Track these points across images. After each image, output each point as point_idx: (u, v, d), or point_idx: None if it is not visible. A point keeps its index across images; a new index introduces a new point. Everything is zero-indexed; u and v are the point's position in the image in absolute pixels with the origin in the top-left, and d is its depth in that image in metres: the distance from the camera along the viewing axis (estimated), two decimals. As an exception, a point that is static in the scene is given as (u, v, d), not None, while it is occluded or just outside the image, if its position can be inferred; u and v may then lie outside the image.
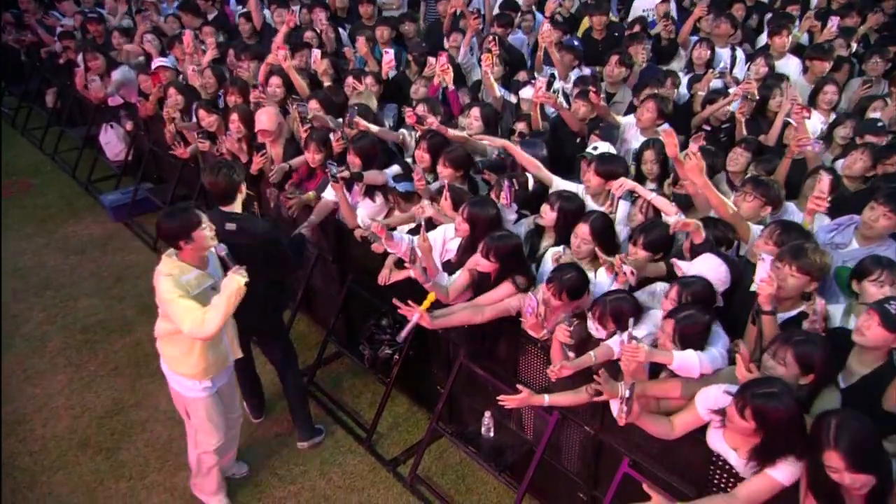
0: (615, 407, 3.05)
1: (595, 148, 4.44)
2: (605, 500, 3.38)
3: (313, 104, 5.26)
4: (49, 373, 5.13)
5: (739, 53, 6.72)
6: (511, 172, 4.37)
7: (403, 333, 3.75)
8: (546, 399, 3.33)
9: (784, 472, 2.57)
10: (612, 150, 4.46)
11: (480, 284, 3.80)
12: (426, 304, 3.57)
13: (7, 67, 10.30)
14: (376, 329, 4.46)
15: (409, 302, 3.50)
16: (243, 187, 3.95)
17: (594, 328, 3.32)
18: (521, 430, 4.03)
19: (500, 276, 3.71)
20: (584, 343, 3.39)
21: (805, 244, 3.22)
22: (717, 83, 5.75)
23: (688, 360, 2.92)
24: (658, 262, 3.58)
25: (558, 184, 4.30)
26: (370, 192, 4.57)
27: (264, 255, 3.92)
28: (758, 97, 5.21)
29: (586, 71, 6.21)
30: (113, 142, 7.42)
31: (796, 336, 2.79)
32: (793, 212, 3.99)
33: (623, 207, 4.00)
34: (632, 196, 4.01)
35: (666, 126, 3.63)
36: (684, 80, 6.05)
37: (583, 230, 3.64)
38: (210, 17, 8.37)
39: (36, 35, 9.01)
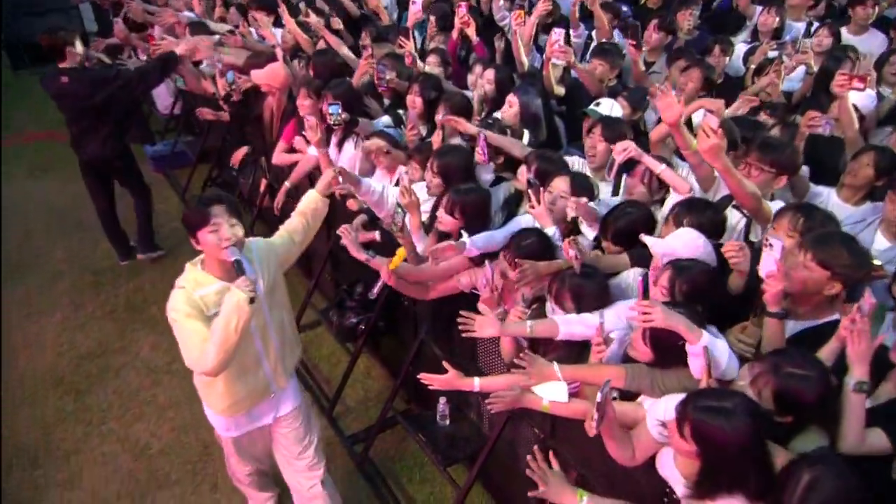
0: (549, 390, 2.36)
1: (598, 104, 3.64)
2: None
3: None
4: (50, 311, 4.94)
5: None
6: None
7: (375, 290, 3.27)
8: (476, 383, 2.64)
9: None
10: (617, 108, 3.64)
11: None
12: (396, 260, 2.97)
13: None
14: (346, 295, 3.92)
15: (378, 257, 2.98)
16: (76, 45, 4.55)
17: (551, 308, 2.62)
18: (480, 422, 3.38)
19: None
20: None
21: (836, 231, 2.38)
22: (776, 55, 4.73)
23: (718, 350, 2.12)
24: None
25: None
26: (342, 141, 4.02)
27: (103, 99, 4.59)
28: (815, 69, 4.20)
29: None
30: (163, 94, 7.22)
31: (788, 367, 1.96)
32: (825, 200, 3.09)
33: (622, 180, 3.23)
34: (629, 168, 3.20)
35: (664, 87, 2.79)
36: (741, 49, 5.06)
37: (561, 184, 2.92)
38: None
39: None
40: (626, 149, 2.97)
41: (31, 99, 8.86)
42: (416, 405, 3.89)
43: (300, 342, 2.96)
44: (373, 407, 4.06)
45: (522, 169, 3.26)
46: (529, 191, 2.86)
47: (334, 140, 4.04)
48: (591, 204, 2.87)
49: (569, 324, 2.46)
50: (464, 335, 2.55)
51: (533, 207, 2.96)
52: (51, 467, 3.67)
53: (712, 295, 2.41)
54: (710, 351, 2.07)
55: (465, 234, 2.89)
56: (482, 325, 2.52)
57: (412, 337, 3.67)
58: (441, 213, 3.12)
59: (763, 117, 3.59)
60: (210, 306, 2.43)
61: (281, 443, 2.94)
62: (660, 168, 3.03)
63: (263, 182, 4.98)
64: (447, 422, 3.38)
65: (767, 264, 2.25)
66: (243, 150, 5.07)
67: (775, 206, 2.76)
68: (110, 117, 4.80)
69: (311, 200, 2.99)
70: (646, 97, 4.05)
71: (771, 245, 2.24)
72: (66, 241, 5.80)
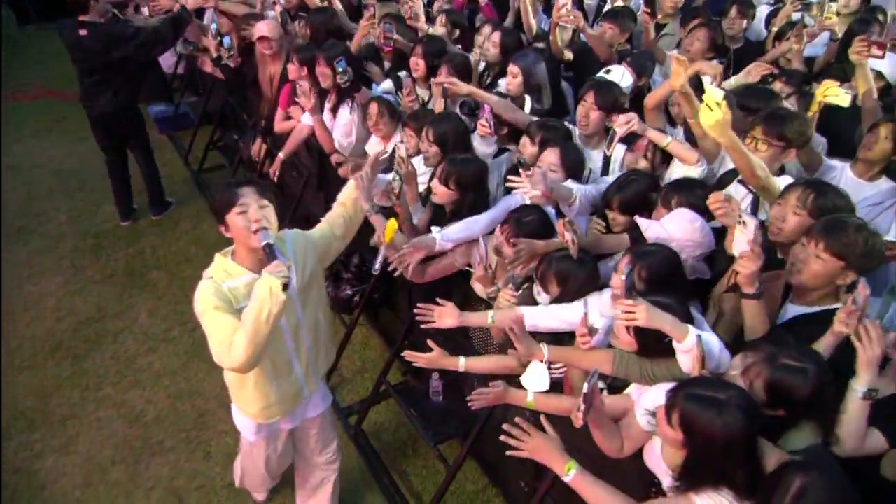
0: (532, 378, 2.29)
1: (608, 72, 3.47)
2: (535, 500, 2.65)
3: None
4: (51, 273, 4.93)
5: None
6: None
7: (377, 265, 3.19)
8: (461, 363, 2.56)
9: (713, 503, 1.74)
10: (628, 77, 3.46)
11: (433, 220, 3.08)
12: (388, 233, 2.85)
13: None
14: (342, 267, 3.85)
15: (379, 214, 2.87)
16: None
17: (537, 291, 2.53)
18: (474, 399, 3.32)
19: (457, 210, 2.98)
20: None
21: (846, 217, 2.23)
22: (799, 17, 4.48)
23: (709, 345, 2.00)
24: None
25: None
26: (337, 107, 3.89)
27: (118, 57, 4.64)
28: (840, 35, 3.96)
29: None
30: (167, 54, 7.06)
31: (783, 358, 1.84)
32: (839, 175, 2.92)
33: (620, 151, 3.08)
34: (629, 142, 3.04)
35: (675, 52, 2.64)
36: (763, 12, 4.81)
37: (551, 156, 2.80)
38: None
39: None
40: (629, 122, 2.81)
41: (38, 55, 8.80)
42: (413, 377, 3.84)
43: (335, 344, 2.80)
44: (369, 378, 4.03)
45: (524, 140, 3.13)
46: (521, 171, 2.74)
47: (328, 105, 3.91)
48: (570, 183, 2.76)
49: (535, 316, 2.37)
50: (423, 327, 2.47)
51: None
52: (47, 432, 3.69)
53: (674, 281, 2.27)
54: (705, 344, 1.96)
55: (434, 229, 2.79)
56: (441, 315, 2.45)
57: (407, 310, 3.60)
58: (435, 183, 3.00)
59: (779, 86, 3.40)
60: (240, 299, 2.25)
61: (303, 440, 2.87)
62: (666, 141, 2.89)
63: (263, 147, 4.88)
64: (440, 398, 3.33)
65: (740, 244, 2.12)
66: (259, 143, 4.95)
67: (783, 181, 2.61)
68: (123, 74, 4.81)
69: (352, 190, 2.80)
70: (651, 62, 3.86)
71: (744, 223, 2.10)
72: (69, 203, 5.77)
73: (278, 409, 2.54)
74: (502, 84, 3.97)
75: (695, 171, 2.81)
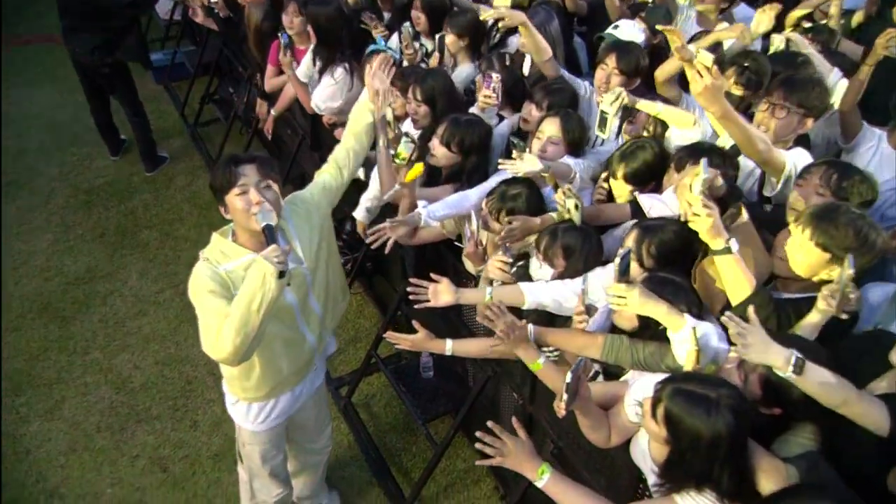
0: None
1: (616, 27, 3.25)
2: (521, 485, 2.56)
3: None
4: (40, 230, 4.86)
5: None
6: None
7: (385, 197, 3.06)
8: (448, 346, 2.43)
9: None
10: (638, 31, 3.23)
11: (428, 183, 2.92)
12: (411, 174, 2.67)
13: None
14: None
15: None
16: None
17: (537, 265, 2.38)
18: (465, 376, 3.23)
19: (455, 174, 2.82)
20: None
21: (841, 207, 2.02)
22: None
23: (706, 338, 1.86)
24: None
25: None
26: (322, 71, 3.70)
27: (103, 6, 4.56)
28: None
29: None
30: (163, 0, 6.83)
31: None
32: (875, 145, 2.71)
33: (616, 125, 2.88)
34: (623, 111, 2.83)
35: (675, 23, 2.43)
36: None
37: (551, 128, 2.62)
38: None
39: None
40: (617, 98, 2.61)
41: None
42: (405, 350, 3.75)
43: (347, 292, 2.65)
44: (362, 348, 3.94)
45: (530, 107, 2.93)
46: (513, 152, 2.56)
47: (317, 66, 3.72)
48: (567, 159, 2.58)
49: (536, 293, 2.23)
50: (416, 307, 2.34)
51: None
52: (33, 396, 3.67)
53: (686, 257, 2.13)
54: (702, 336, 1.82)
55: (420, 205, 2.63)
56: (436, 293, 2.29)
57: (401, 279, 3.49)
58: (435, 143, 2.84)
59: (805, 44, 3.14)
60: (238, 283, 2.06)
61: (299, 428, 2.69)
62: (657, 108, 2.69)
63: (262, 105, 4.69)
64: (431, 374, 3.25)
65: (694, 188, 1.91)
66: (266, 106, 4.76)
67: (801, 157, 2.42)
68: (98, 25, 4.65)
69: (361, 116, 2.59)
70: (668, 16, 3.61)
71: (705, 169, 1.92)
72: (60, 157, 5.65)
73: (293, 378, 2.42)
74: (512, 42, 3.76)
75: (694, 134, 2.63)
